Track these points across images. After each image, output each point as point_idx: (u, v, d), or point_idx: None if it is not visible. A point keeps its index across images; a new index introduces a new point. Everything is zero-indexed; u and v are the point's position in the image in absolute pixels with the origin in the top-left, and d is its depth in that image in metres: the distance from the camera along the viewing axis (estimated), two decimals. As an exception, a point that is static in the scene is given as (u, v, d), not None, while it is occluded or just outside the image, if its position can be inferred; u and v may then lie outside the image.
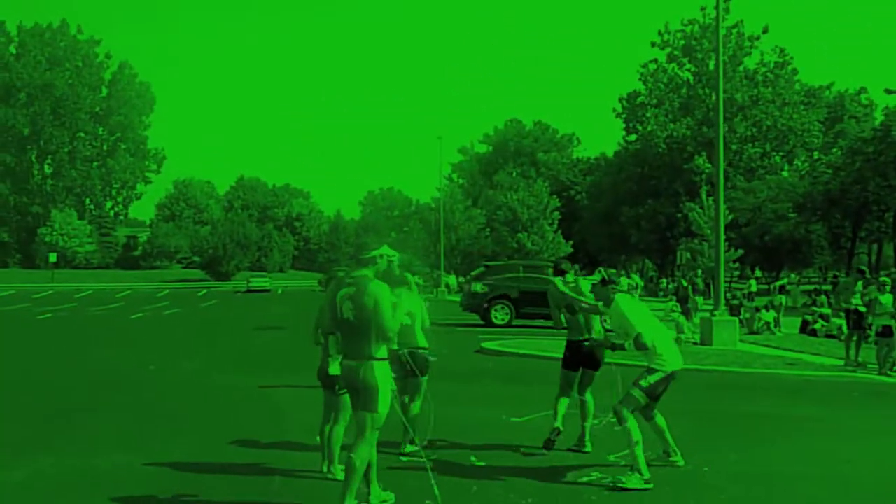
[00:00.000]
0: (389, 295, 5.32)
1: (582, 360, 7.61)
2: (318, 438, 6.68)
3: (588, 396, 7.71)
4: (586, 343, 7.54)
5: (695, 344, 18.83)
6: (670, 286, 49.71)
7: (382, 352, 5.32)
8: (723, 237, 19.69)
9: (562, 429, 7.42)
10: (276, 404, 10.03)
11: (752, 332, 22.57)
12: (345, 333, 5.42)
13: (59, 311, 29.25)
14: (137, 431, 8.46)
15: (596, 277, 7.18)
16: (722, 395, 11.56)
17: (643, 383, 6.63)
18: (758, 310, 24.54)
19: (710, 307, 21.60)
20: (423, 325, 7.37)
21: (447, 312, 26.38)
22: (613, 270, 8.12)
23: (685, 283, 30.27)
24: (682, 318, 19.87)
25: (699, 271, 43.29)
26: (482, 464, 7.03)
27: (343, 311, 5.35)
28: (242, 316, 30.97)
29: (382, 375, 5.29)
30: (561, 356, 7.81)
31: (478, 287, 24.23)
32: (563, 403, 7.62)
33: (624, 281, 37.49)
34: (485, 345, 16.66)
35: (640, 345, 6.60)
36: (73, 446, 7.71)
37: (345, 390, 6.19)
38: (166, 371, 13.51)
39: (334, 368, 6.22)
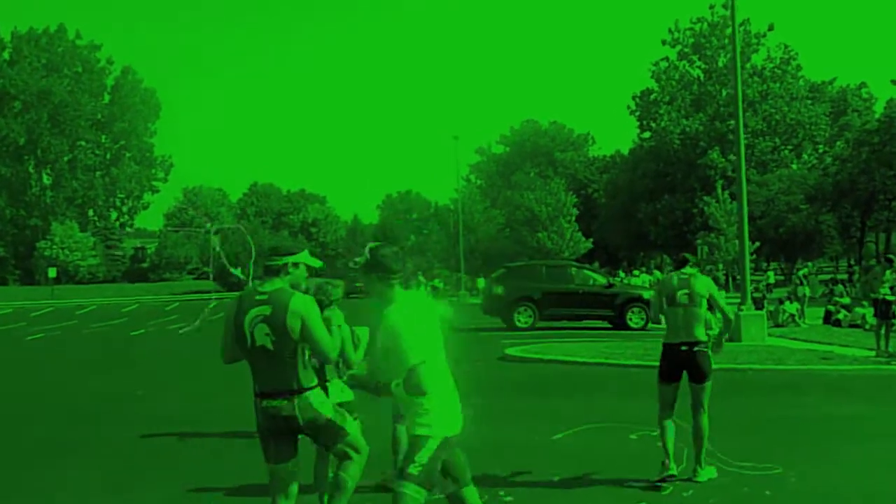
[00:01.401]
0: (316, 308, 4.30)
1: (680, 368, 6.51)
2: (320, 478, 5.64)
3: (704, 419, 6.55)
4: (684, 348, 6.49)
5: (723, 341, 18.46)
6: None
7: (311, 377, 4.34)
8: (747, 229, 19.35)
9: (675, 472, 6.29)
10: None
11: (776, 325, 22.27)
12: (260, 365, 4.25)
13: (54, 330, 28.00)
14: (114, 476, 7.26)
15: (645, 277, 6.78)
16: (762, 396, 11.23)
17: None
18: (781, 302, 24.19)
19: (735, 301, 21.23)
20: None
21: (469, 316, 26.02)
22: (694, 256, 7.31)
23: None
24: (708, 314, 19.42)
25: (720, 265, 42.91)
26: (510, 499, 6.15)
27: (255, 337, 4.21)
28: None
29: (321, 402, 4.35)
30: (590, 359, 7.26)
31: (499, 289, 23.86)
32: (670, 430, 6.39)
33: (646, 277, 37.13)
34: (508, 351, 16.31)
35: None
36: (35, 498, 6.72)
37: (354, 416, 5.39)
38: (160, 395, 12.32)
39: (334, 394, 5.45)
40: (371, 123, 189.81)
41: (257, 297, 4.24)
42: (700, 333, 6.48)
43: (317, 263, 4.63)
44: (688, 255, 7.07)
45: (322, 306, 5.47)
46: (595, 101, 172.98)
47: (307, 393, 4.25)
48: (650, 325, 22.89)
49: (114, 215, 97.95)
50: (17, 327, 31.33)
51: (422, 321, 3.96)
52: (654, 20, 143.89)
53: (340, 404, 5.25)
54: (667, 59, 65.62)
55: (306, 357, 4.30)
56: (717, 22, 62.34)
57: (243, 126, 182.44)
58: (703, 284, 6.63)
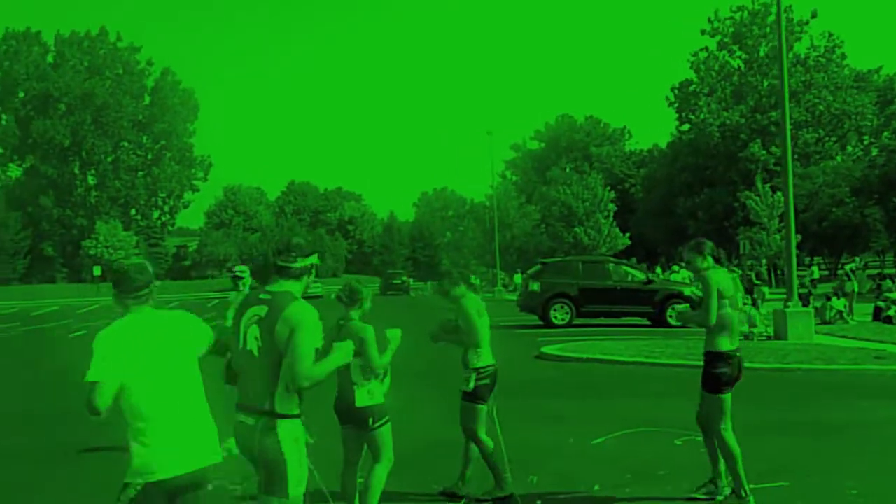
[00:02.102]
0: (316, 323, 3.61)
1: (737, 377, 5.92)
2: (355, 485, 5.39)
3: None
4: (739, 354, 6.00)
5: (768, 338, 17.81)
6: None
7: (291, 404, 3.61)
8: (793, 223, 18.59)
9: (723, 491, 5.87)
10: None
11: (824, 322, 21.49)
12: (244, 372, 3.73)
13: (98, 326, 28.28)
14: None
15: (685, 273, 6.16)
16: (813, 399, 10.64)
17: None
18: (828, 298, 23.37)
19: (780, 297, 20.56)
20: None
21: (504, 313, 25.56)
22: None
23: (748, 273, 29.23)
24: (753, 311, 18.81)
25: (763, 260, 41.98)
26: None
27: (247, 340, 3.68)
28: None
29: (289, 440, 3.58)
30: (630, 358, 6.68)
31: (535, 286, 23.34)
32: (733, 437, 5.89)
33: (685, 273, 36.29)
34: (545, 349, 15.80)
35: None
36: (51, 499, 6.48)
37: (378, 424, 5.12)
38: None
39: (362, 398, 5.09)
40: (406, 121, 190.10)
41: (261, 296, 3.75)
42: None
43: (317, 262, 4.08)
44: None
45: (345, 306, 5.20)
46: (631, 94, 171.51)
47: (279, 421, 3.55)
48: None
49: (156, 214, 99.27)
50: (62, 324, 31.68)
51: (134, 342, 3.46)
52: (692, 10, 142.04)
53: (370, 407, 5.03)
54: (706, 49, 64.46)
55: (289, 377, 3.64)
56: (758, 10, 61.18)
57: (281, 125, 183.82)
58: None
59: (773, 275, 45.11)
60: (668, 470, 6.70)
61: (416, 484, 6.36)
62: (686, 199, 62.40)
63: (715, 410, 5.83)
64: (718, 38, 63.54)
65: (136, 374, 3.42)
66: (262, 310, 3.66)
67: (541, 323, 22.82)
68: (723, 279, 5.91)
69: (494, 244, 56.45)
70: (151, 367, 3.46)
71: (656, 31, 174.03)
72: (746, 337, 17.96)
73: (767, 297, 27.33)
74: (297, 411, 3.61)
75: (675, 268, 42.51)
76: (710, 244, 6.15)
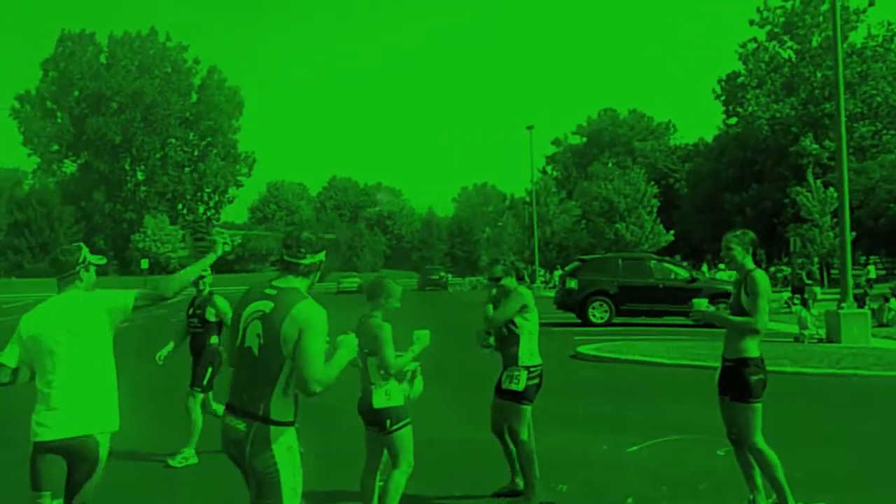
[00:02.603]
0: (325, 323, 3.37)
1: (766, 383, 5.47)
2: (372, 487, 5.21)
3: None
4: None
5: (820, 341, 16.90)
6: (778, 275, 47.07)
7: (287, 410, 3.38)
8: (848, 220, 17.65)
9: None
10: (329, 438, 7.62)
11: (881, 325, 20.50)
12: (239, 370, 3.48)
13: (141, 319, 28.87)
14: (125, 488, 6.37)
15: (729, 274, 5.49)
16: (870, 408, 9.85)
17: None
18: (886, 299, 22.29)
19: (833, 298, 19.65)
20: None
21: (541, 310, 24.92)
22: None
23: (799, 272, 28.18)
24: (804, 312, 17.87)
25: (815, 258, 40.69)
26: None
27: (246, 336, 3.43)
28: (339, 321, 30.15)
29: (282, 449, 3.35)
30: (670, 360, 6.12)
31: (573, 283, 22.65)
32: (767, 447, 5.32)
33: (732, 272, 35.25)
34: (581, 349, 15.14)
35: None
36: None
37: (396, 427, 4.88)
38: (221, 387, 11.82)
39: (379, 399, 4.88)
40: (447, 116, 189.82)
41: (266, 291, 3.47)
42: None
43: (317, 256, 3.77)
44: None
45: (369, 301, 5.00)
46: (677, 87, 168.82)
47: (272, 427, 3.32)
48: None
49: (201, 209, 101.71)
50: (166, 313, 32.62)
51: (40, 321, 4.03)
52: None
53: (388, 409, 4.85)
54: (755, 39, 62.70)
55: (293, 384, 3.37)
56: (811, -1, 59.24)
57: (323, 121, 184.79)
58: None
59: (824, 274, 43.69)
60: (709, 483, 6.19)
61: (437, 488, 6.14)
62: (733, 195, 60.94)
63: (751, 420, 5.28)
64: (768, 28, 61.78)
65: (34, 350, 3.99)
66: (266, 305, 3.41)
67: (578, 321, 22.15)
68: (769, 283, 5.41)
69: (534, 240, 55.79)
70: (46, 344, 3.96)
71: (703, 22, 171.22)
72: (797, 339, 17.09)
73: (819, 297, 26.26)
74: (292, 418, 3.39)
75: (721, 266, 41.47)
76: (753, 235, 5.57)
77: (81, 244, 4.34)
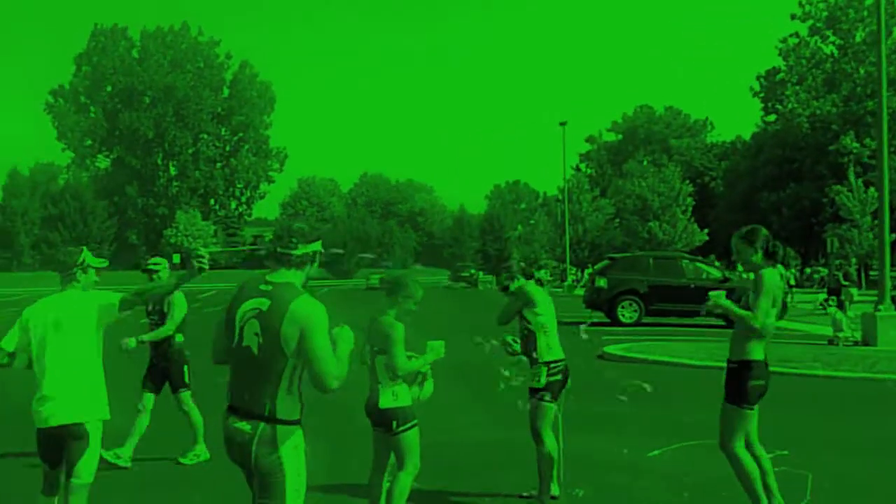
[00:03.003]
0: (325, 319, 3.26)
1: (767, 390, 5.23)
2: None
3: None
4: (768, 365, 5.22)
5: (855, 344, 16.43)
6: (815, 276, 46.16)
7: (293, 408, 3.28)
8: (888, 219, 17.18)
9: None
10: (340, 437, 7.56)
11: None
12: (239, 371, 3.34)
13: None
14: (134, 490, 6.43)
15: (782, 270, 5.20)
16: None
17: None
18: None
19: (870, 300, 19.15)
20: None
21: (571, 309, 24.63)
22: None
23: (836, 273, 27.55)
24: (839, 314, 17.39)
25: (853, 259, 39.89)
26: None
27: (244, 336, 3.30)
28: (358, 316, 30.19)
29: (289, 449, 3.25)
30: (699, 361, 5.88)
31: (602, 282, 22.37)
32: (747, 455, 5.17)
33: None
34: (607, 349, 14.87)
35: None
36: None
37: (403, 428, 4.76)
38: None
39: (385, 400, 4.75)
40: (479, 113, 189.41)
41: (261, 287, 3.35)
42: None
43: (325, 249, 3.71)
44: (778, 244, 5.45)
45: (387, 297, 4.91)
46: (714, 83, 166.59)
47: (278, 427, 3.22)
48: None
49: (233, 204, 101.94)
50: (140, 310, 32.97)
51: (38, 316, 4.47)
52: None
53: (394, 409, 4.74)
54: (796, 34, 61.41)
55: (297, 381, 3.28)
56: (855, -8, 57.78)
57: (355, 117, 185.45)
58: None
59: (863, 276, 42.76)
60: (731, 491, 5.84)
61: (458, 489, 6.09)
62: (770, 194, 59.93)
63: (736, 425, 5.10)
64: (810, 22, 60.43)
65: (30, 339, 4.44)
66: (262, 303, 3.28)
67: (607, 321, 21.83)
68: (778, 283, 5.14)
69: (565, 238, 55.38)
70: (38, 334, 4.41)
71: (742, 17, 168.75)
72: (831, 342, 16.64)
73: (856, 298, 25.63)
74: (298, 416, 3.29)
75: (756, 265, 40.74)
76: (765, 233, 5.30)
77: (84, 248, 4.72)
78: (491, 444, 7.46)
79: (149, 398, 7.07)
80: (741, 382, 5.07)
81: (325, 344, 3.23)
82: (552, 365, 5.58)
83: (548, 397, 5.55)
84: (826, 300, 25.21)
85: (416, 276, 5.40)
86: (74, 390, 4.35)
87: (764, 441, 7.13)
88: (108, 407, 4.49)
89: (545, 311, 5.68)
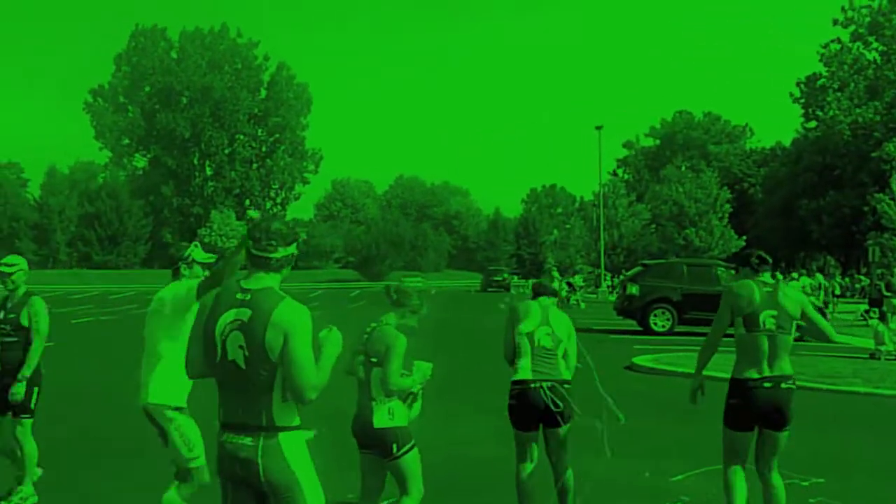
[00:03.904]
0: (309, 323, 3.08)
1: (758, 412, 4.95)
2: None
3: (776, 477, 5.07)
4: (768, 385, 4.86)
5: (897, 358, 15.74)
6: (856, 286, 45.04)
7: (291, 414, 3.12)
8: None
9: None
10: (348, 449, 7.47)
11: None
12: (228, 387, 3.14)
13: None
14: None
15: (805, 281, 4.90)
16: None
17: None
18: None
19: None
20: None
21: (603, 316, 24.12)
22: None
23: (877, 283, 26.71)
24: (881, 326, 16.69)
25: (894, 269, 38.90)
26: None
27: (227, 350, 3.10)
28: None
29: (296, 455, 3.11)
30: (726, 374, 5.37)
31: (634, 289, 21.79)
32: (740, 480, 5.04)
33: (806, 280, 33.75)
34: (636, 360, 14.37)
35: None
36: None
37: (403, 451, 4.34)
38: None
39: (381, 418, 4.33)
40: (517, 116, 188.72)
41: (238, 296, 3.14)
42: (788, 366, 4.93)
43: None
44: (765, 255, 5.13)
45: (391, 305, 4.60)
46: (754, 89, 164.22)
47: (280, 434, 3.07)
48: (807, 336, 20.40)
49: (268, 205, 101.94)
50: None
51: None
52: None
53: (392, 430, 4.33)
54: (838, 40, 60.38)
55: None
56: (900, -3, 56.75)
57: (391, 120, 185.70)
58: (796, 302, 5.01)
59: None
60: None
61: None
62: (810, 201, 58.80)
63: (724, 444, 5.10)
64: (852, 28, 59.40)
65: None
66: (243, 313, 3.10)
67: (639, 329, 21.29)
68: (743, 292, 4.95)
69: (600, 243, 54.73)
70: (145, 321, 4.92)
71: (783, 22, 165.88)
72: (872, 356, 15.95)
73: (899, 309, 24.76)
74: (298, 421, 3.15)
75: (795, 274, 39.89)
76: (755, 255, 5.13)
77: (196, 243, 4.98)
78: (491, 461, 7.02)
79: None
80: (727, 400, 5.03)
81: (307, 351, 3.04)
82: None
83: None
84: (867, 311, 24.44)
85: (428, 287, 5.02)
86: (154, 373, 4.75)
87: (799, 467, 6.68)
88: (181, 394, 4.75)
89: (523, 328, 5.32)
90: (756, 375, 4.85)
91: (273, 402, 3.06)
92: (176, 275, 4.88)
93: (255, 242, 3.18)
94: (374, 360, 4.34)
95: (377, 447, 4.35)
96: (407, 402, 4.53)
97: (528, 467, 5.22)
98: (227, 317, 3.11)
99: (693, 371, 5.44)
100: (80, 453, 7.71)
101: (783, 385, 4.85)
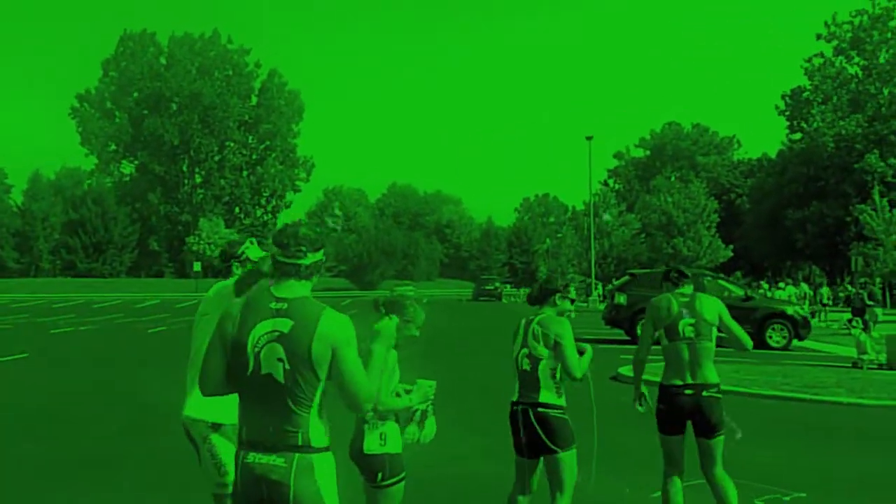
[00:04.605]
0: (354, 332, 2.99)
1: (682, 417, 5.22)
2: None
3: (718, 474, 5.23)
4: (689, 392, 5.14)
5: (880, 367, 15.94)
6: (840, 294, 45.42)
7: (325, 433, 2.99)
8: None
9: None
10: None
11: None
12: (258, 402, 2.96)
13: (181, 322, 28.92)
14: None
15: (791, 290, 5.02)
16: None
17: None
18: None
19: (894, 319, 18.65)
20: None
21: (591, 325, 24.25)
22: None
23: (860, 292, 27.00)
24: (863, 336, 16.89)
25: (877, 278, 39.24)
26: None
27: (261, 363, 2.93)
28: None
29: (327, 478, 2.96)
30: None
31: (621, 298, 21.96)
32: (677, 488, 5.27)
33: (792, 289, 34.02)
34: (622, 370, 14.51)
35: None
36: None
37: (389, 482, 4.06)
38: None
39: (371, 444, 4.07)
40: (510, 125, 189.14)
41: (272, 306, 2.96)
42: (712, 374, 5.22)
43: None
44: (683, 270, 5.46)
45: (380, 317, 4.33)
46: (742, 101, 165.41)
47: (314, 456, 2.92)
48: (794, 342, 20.66)
49: (258, 213, 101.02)
50: (154, 318, 32.54)
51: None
52: (807, 14, 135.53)
53: (381, 457, 4.08)
54: (822, 55, 61.34)
55: (325, 404, 2.99)
56: (880, 14, 57.94)
57: (384, 128, 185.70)
58: (712, 308, 5.25)
59: (887, 295, 41.98)
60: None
61: None
62: (795, 212, 59.34)
63: (662, 450, 5.35)
64: (835, 43, 60.37)
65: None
66: (282, 324, 2.92)
67: (627, 339, 21.41)
68: (661, 304, 5.28)
69: (591, 252, 54.95)
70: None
71: (769, 36, 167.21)
72: (855, 365, 16.16)
73: (881, 318, 25.06)
74: (328, 441, 2.99)
75: (782, 284, 40.12)
76: (674, 270, 5.51)
77: (252, 240, 4.40)
78: (481, 479, 6.94)
79: None
80: (656, 407, 5.26)
81: (358, 361, 2.98)
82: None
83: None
84: (850, 320, 24.70)
85: (420, 295, 4.91)
86: (193, 386, 4.19)
87: (781, 480, 6.76)
88: (216, 410, 4.09)
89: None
90: (679, 382, 5.16)
91: (311, 419, 2.92)
92: (228, 273, 4.47)
93: (284, 249, 3.05)
94: None
95: (364, 472, 4.15)
96: (416, 421, 4.32)
97: None
98: (262, 328, 2.94)
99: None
100: (49, 471, 7.57)
101: (705, 393, 5.09)
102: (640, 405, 5.52)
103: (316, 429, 2.93)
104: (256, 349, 2.93)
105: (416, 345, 4.35)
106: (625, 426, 9.60)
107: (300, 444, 2.90)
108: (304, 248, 3.04)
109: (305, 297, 3.00)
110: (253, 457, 2.93)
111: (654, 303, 5.34)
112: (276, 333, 2.91)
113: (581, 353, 4.87)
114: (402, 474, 4.12)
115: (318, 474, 2.92)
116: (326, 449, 2.97)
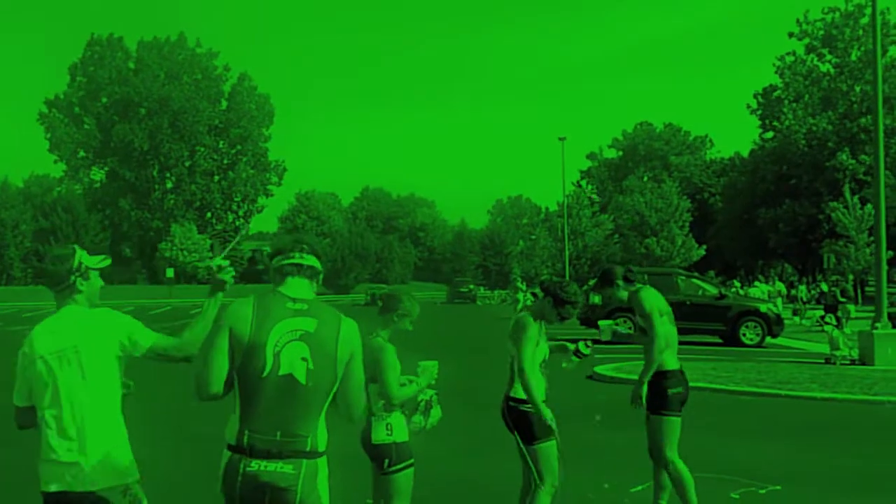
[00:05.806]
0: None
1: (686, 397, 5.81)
2: None
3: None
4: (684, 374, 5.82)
5: (852, 363, 16.07)
6: (813, 292, 45.87)
7: (326, 437, 2.95)
8: (884, 236, 16.90)
9: None
10: (361, 464, 7.32)
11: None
12: (269, 403, 2.84)
13: (157, 329, 28.30)
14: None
15: (765, 288, 5.13)
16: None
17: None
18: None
19: (868, 316, 18.83)
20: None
21: (566, 325, 24.24)
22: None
23: (833, 289, 27.27)
24: (836, 332, 17.03)
25: (849, 276, 39.66)
26: None
27: (281, 362, 2.85)
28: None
29: (325, 483, 2.93)
30: (691, 383, 6.00)
31: (596, 298, 21.93)
32: (683, 465, 5.67)
33: (765, 287, 34.26)
34: (598, 369, 14.52)
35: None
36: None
37: (400, 466, 4.19)
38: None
39: (378, 434, 4.21)
40: (482, 127, 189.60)
41: (290, 305, 2.91)
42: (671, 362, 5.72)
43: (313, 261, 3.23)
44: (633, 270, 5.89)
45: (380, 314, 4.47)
46: (713, 100, 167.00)
47: (319, 461, 2.89)
48: (767, 340, 20.76)
49: (230, 218, 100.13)
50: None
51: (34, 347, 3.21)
52: (779, 12, 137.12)
53: (388, 445, 4.20)
54: (793, 53, 61.66)
55: (328, 408, 2.99)
56: (852, 12, 58.27)
57: (356, 131, 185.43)
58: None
59: (859, 292, 42.46)
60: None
61: None
62: (767, 210, 59.72)
63: (665, 434, 5.44)
64: (807, 41, 60.69)
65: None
66: (306, 323, 2.88)
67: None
68: (655, 296, 5.59)
69: (564, 253, 55.12)
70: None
71: (740, 35, 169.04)
72: (827, 361, 16.27)
73: (853, 315, 25.29)
74: (327, 445, 2.97)
75: (756, 282, 40.46)
76: (617, 269, 5.79)
77: (75, 245, 3.46)
78: (461, 478, 6.95)
79: None
80: (661, 391, 5.42)
81: (363, 372, 3.04)
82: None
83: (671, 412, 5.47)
84: (823, 317, 24.93)
85: (413, 291, 4.91)
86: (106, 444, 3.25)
87: (756, 474, 6.76)
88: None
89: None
90: (678, 366, 5.65)
91: (320, 424, 2.89)
92: (66, 294, 3.34)
93: (289, 252, 3.06)
94: (367, 375, 4.19)
95: (373, 460, 4.26)
96: (421, 410, 4.45)
97: None
98: (284, 326, 2.85)
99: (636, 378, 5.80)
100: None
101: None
102: (639, 406, 5.66)
103: (322, 434, 2.91)
104: (277, 348, 2.84)
105: (397, 345, 4.33)
106: (603, 425, 9.58)
107: (308, 449, 2.84)
108: (306, 247, 3.06)
109: (319, 299, 3.00)
110: (257, 464, 2.81)
111: (648, 293, 5.56)
112: (300, 332, 2.86)
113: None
114: (410, 461, 4.23)
115: (320, 480, 2.89)
116: (324, 453, 2.95)
